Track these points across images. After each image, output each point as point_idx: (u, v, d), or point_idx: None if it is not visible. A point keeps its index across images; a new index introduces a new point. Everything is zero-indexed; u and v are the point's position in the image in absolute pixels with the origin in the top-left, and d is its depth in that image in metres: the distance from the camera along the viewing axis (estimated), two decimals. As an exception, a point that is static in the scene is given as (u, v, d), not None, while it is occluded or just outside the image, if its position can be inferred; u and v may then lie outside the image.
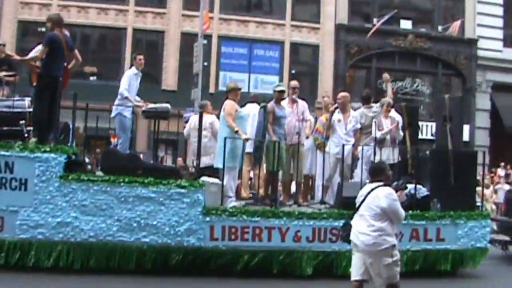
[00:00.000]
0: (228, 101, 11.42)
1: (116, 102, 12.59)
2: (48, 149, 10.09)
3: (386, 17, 29.86)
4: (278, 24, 31.14)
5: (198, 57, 24.67)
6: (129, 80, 12.63)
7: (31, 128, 10.59)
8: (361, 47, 30.45)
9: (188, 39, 29.28)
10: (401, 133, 13.39)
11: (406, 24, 31.04)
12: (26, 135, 10.50)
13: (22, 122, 10.50)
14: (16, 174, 9.94)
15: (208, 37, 28.55)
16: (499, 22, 31.39)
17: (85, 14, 30.52)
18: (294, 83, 13.16)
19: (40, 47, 10.91)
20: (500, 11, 31.51)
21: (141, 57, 13.11)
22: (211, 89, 29.96)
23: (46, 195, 9.99)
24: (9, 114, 10.57)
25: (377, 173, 7.86)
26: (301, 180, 12.68)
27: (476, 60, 30.90)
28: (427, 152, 14.34)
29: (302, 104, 12.61)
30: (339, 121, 12.51)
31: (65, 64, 10.96)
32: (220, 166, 11.05)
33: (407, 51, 30.64)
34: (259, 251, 10.63)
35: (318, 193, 12.81)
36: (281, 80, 30.50)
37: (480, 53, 30.87)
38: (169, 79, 30.46)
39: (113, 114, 12.53)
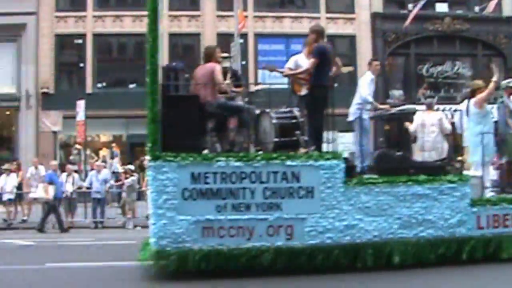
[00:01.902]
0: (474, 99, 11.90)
1: (356, 106, 12.80)
2: (330, 156, 10.31)
3: (422, 3, 30.38)
4: (313, 17, 31.36)
5: (236, 56, 24.72)
6: (369, 85, 12.88)
7: (305, 137, 10.80)
8: (398, 34, 31.00)
9: (224, 39, 29.15)
10: None
11: (442, 7, 31.61)
12: (304, 145, 10.69)
13: (297, 132, 10.69)
14: (303, 183, 10.12)
15: (244, 36, 28.55)
16: (538, -3, 32.20)
17: (120, 23, 30.44)
18: None
19: (301, 59, 11.27)
20: (538, -15, 32.32)
21: (378, 62, 13.51)
22: (251, 88, 30.00)
23: (332, 201, 10.21)
24: (287, 125, 10.74)
25: None
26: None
27: (516, 38, 31.69)
28: None
29: None
30: None
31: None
32: (476, 159, 11.51)
33: (445, 35, 31.26)
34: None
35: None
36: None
37: (520, 30, 31.61)
38: (207, 79, 30.36)
39: (352, 118, 12.77)
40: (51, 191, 20.14)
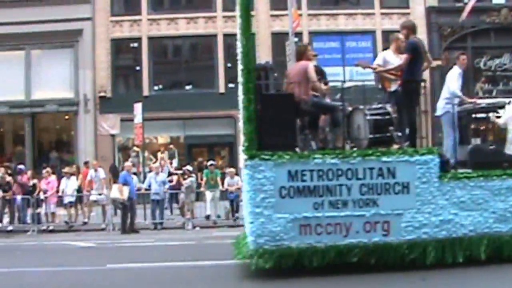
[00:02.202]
0: None
1: (444, 101, 12.77)
2: (425, 151, 10.30)
3: (477, -4, 29.98)
4: (367, 13, 31.27)
5: (291, 55, 24.49)
6: (457, 79, 12.85)
7: (398, 133, 10.80)
8: (454, 28, 30.59)
9: (278, 38, 29.02)
10: None
11: (498, -1, 31.17)
12: (397, 140, 10.70)
13: (391, 128, 10.69)
14: (398, 178, 10.11)
15: (298, 34, 28.26)
16: None
17: (174, 25, 30.57)
18: None
19: (389, 55, 11.60)
20: None
21: (464, 57, 13.46)
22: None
23: (427, 196, 10.18)
24: (380, 121, 10.77)
25: None
26: None
27: None
28: None
29: None
30: None
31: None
32: None
33: (502, 27, 30.67)
34: None
35: None
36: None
37: None
38: (264, 80, 30.33)
39: (441, 113, 12.77)
40: (125, 192, 20.17)
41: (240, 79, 10.16)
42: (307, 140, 10.98)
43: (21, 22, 28.52)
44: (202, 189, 22.76)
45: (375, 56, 30.46)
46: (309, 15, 31.01)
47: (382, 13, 31.13)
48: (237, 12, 10.37)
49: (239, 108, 10.34)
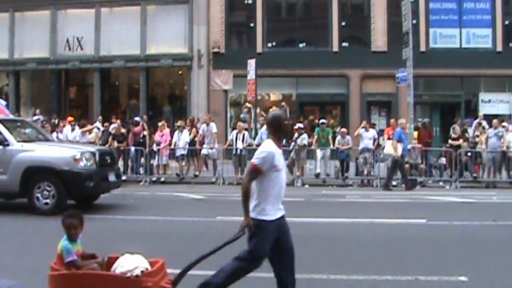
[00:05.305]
0: None
1: None
2: None
3: None
4: (490, -26, 27.39)
5: (406, 15, 21.77)
6: None
7: None
8: None
9: None
10: None
11: None
12: None
13: None
14: None
15: (415, -6, 25.07)
16: None
17: (289, -17, 27.89)
18: None
19: None
20: None
21: None
22: (422, 48, 26.86)
23: None
24: None
25: None
26: None
27: None
28: None
29: None
30: None
31: None
32: None
33: None
34: None
35: None
36: (494, 32, 26.89)
37: None
38: (379, 40, 27.39)
39: None
40: (399, 149, 18.57)
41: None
42: None
43: (138, -22, 26.92)
44: (312, 147, 20.70)
45: (493, 19, 26.71)
46: (427, -26, 27.33)
47: (504, -25, 27.09)
48: None
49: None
